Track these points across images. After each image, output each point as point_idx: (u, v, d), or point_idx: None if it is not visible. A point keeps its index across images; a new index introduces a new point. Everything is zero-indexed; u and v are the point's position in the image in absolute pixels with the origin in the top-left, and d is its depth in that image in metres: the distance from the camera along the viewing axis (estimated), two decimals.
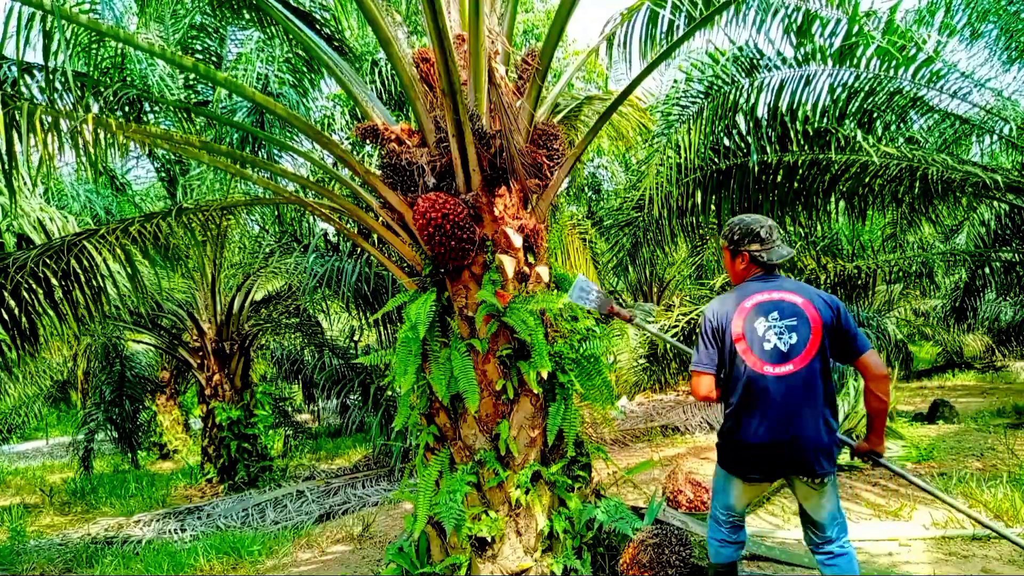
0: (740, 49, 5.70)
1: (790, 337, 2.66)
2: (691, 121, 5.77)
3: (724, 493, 2.90)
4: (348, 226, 5.14)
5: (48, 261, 4.31)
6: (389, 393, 9.49)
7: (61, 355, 13.68)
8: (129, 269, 4.65)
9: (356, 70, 5.97)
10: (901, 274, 7.33)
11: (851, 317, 2.73)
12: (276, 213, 9.29)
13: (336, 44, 5.73)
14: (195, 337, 9.98)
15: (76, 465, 12.56)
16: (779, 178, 6.51)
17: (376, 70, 8.44)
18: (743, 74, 5.76)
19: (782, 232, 2.89)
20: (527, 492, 3.75)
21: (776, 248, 2.84)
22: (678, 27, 4.88)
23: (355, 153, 7.93)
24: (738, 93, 5.74)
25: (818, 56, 5.51)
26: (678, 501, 5.30)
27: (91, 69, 4.70)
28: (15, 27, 3.55)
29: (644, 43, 5.12)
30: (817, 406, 2.64)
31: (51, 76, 3.84)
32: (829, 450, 2.66)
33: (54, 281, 4.40)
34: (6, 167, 3.75)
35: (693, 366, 2.82)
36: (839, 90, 5.70)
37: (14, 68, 4.05)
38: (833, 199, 6.71)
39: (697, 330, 2.84)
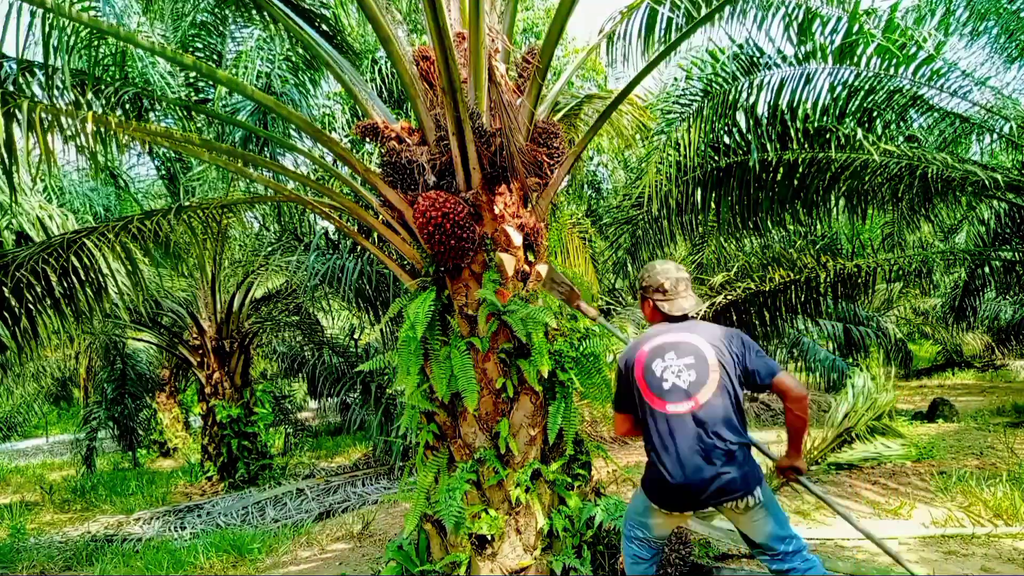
0: (740, 47, 5.69)
1: (689, 375, 2.75)
2: (691, 119, 5.77)
3: (643, 516, 2.92)
4: (348, 224, 5.14)
5: (48, 259, 4.31)
6: (389, 391, 9.49)
7: (62, 353, 13.69)
8: (129, 267, 4.64)
9: (356, 68, 5.97)
10: (901, 273, 7.32)
11: (756, 349, 2.86)
12: (277, 211, 9.29)
13: (336, 42, 5.72)
14: (195, 335, 9.99)
15: (77, 463, 12.57)
16: (779, 176, 6.51)
17: (376, 68, 8.44)
18: (743, 72, 5.75)
19: (692, 284, 2.95)
20: (527, 490, 3.75)
21: (679, 300, 2.92)
22: (678, 25, 4.87)
23: (355, 151, 7.92)
24: (738, 91, 5.74)
25: (818, 54, 5.50)
26: None
27: (91, 66, 4.69)
28: (15, 25, 3.55)
29: (644, 41, 5.11)
30: (724, 437, 2.73)
31: (51, 74, 3.84)
32: (744, 474, 2.77)
33: (54, 279, 4.40)
34: (6, 165, 3.75)
35: (613, 407, 2.99)
36: (839, 88, 5.70)
37: (14, 65, 4.04)
38: (833, 197, 6.71)
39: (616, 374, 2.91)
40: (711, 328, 2.90)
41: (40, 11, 3.63)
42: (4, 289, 4.27)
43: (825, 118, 5.91)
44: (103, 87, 4.36)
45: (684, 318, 2.94)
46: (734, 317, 7.13)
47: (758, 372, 2.81)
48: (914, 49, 5.53)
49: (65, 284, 4.49)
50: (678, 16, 4.82)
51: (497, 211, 3.87)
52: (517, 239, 3.86)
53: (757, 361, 2.82)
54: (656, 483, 2.76)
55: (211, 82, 7.64)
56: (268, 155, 8.05)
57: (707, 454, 2.71)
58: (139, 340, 12.49)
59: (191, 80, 7.65)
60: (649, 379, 2.79)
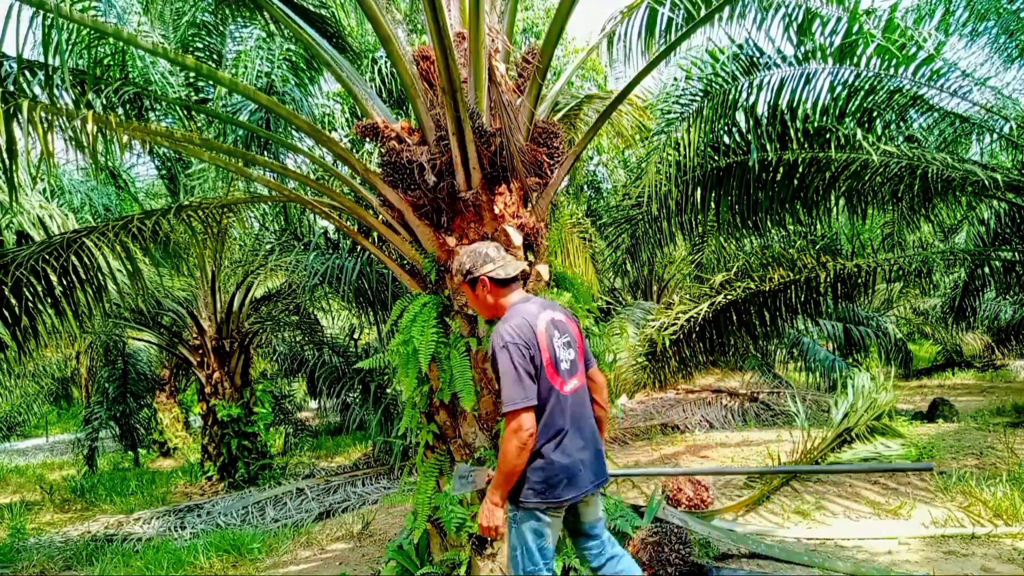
0: (740, 47, 5.69)
1: (569, 354, 2.67)
2: (691, 119, 5.77)
3: (541, 539, 2.60)
4: (348, 224, 5.14)
5: (48, 258, 4.31)
6: (389, 391, 9.50)
7: (62, 353, 13.69)
8: (129, 266, 4.65)
9: (356, 68, 5.97)
10: (901, 273, 7.32)
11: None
12: (277, 211, 9.29)
13: (336, 42, 5.73)
14: (195, 335, 9.99)
15: (78, 463, 12.57)
16: (779, 176, 6.51)
17: (376, 68, 8.44)
18: (743, 72, 5.75)
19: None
20: None
21: (510, 262, 2.73)
22: (678, 25, 4.88)
23: (355, 151, 7.93)
24: (738, 91, 5.74)
25: (818, 54, 5.50)
26: (678, 500, 5.31)
27: (92, 66, 4.70)
28: (15, 25, 3.55)
29: (644, 41, 5.12)
30: (591, 419, 2.70)
31: (51, 74, 3.84)
32: (604, 458, 2.76)
33: (54, 278, 4.40)
34: (7, 165, 3.75)
35: (516, 404, 2.44)
36: (839, 88, 5.70)
37: (14, 65, 4.04)
38: (833, 197, 6.71)
39: (504, 366, 2.48)
40: (559, 306, 2.83)
41: (40, 11, 3.62)
42: (4, 288, 4.27)
43: (825, 118, 5.91)
44: (103, 87, 4.36)
45: (529, 295, 2.78)
46: (734, 317, 7.13)
47: (589, 355, 2.82)
48: (914, 49, 5.53)
49: (65, 283, 4.49)
50: (678, 16, 4.82)
51: (497, 211, 3.87)
52: (517, 239, 3.86)
53: (588, 344, 2.83)
54: (555, 472, 2.54)
55: (211, 82, 7.64)
56: (268, 155, 8.05)
57: (593, 433, 2.68)
58: (139, 340, 12.50)
59: (191, 80, 7.65)
60: (555, 359, 2.59)
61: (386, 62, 8.29)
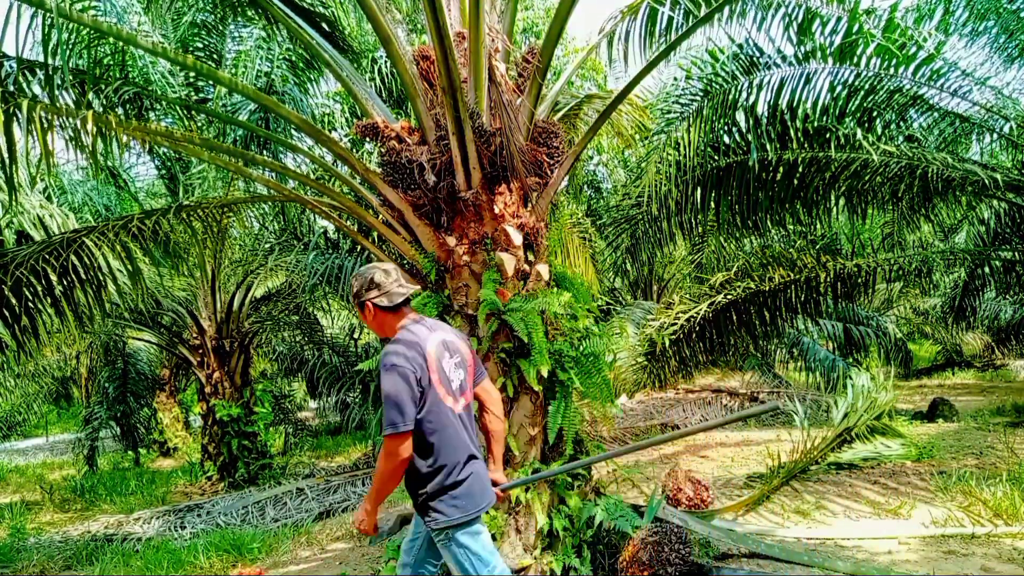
0: (740, 47, 5.69)
1: (459, 374, 2.76)
2: (691, 119, 5.77)
3: (478, 536, 2.67)
4: (348, 224, 5.14)
5: (48, 258, 4.31)
6: None
7: (62, 353, 13.69)
8: (129, 266, 4.65)
9: (356, 68, 5.97)
10: (901, 273, 7.32)
11: None
12: (277, 210, 9.29)
13: (336, 42, 5.73)
14: (195, 335, 9.99)
15: (78, 462, 12.57)
16: (779, 176, 6.51)
17: (376, 68, 8.44)
18: (743, 72, 5.75)
19: (403, 274, 2.81)
20: (527, 490, 3.76)
21: (395, 291, 2.72)
22: (678, 25, 4.88)
23: (355, 151, 7.92)
24: (738, 91, 5.74)
25: (818, 54, 5.50)
26: (678, 499, 5.31)
27: (91, 66, 4.70)
28: (15, 25, 3.55)
29: (644, 41, 5.12)
30: (477, 437, 2.81)
31: (51, 74, 3.84)
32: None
33: (54, 278, 4.40)
34: (6, 164, 3.75)
35: (396, 428, 2.47)
36: (839, 88, 5.70)
37: (14, 65, 4.04)
38: (833, 197, 6.71)
39: (388, 388, 2.50)
40: (449, 327, 2.92)
41: (40, 11, 3.62)
42: (4, 288, 4.27)
43: (825, 118, 5.91)
44: (103, 87, 4.37)
45: (421, 316, 2.83)
46: (734, 317, 7.13)
47: (480, 374, 2.92)
48: (914, 49, 5.53)
49: (65, 283, 4.50)
50: (678, 16, 4.82)
51: (497, 211, 3.87)
52: (517, 239, 3.86)
53: (479, 362, 2.93)
54: (470, 487, 2.64)
55: (211, 82, 7.64)
56: (268, 155, 8.06)
57: (478, 452, 2.77)
58: (139, 340, 12.50)
59: (191, 80, 7.65)
60: (445, 380, 2.66)
61: (386, 62, 8.29)
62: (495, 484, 2.89)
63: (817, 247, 7.29)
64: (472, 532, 2.65)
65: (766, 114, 6.01)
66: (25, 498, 10.06)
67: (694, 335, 7.19)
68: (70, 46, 4.16)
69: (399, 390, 2.49)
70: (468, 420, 2.76)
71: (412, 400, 2.51)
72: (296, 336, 11.83)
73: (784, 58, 5.67)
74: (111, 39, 4.49)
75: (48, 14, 3.60)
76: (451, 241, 3.90)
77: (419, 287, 2.92)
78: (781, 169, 6.45)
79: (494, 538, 3.69)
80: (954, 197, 6.82)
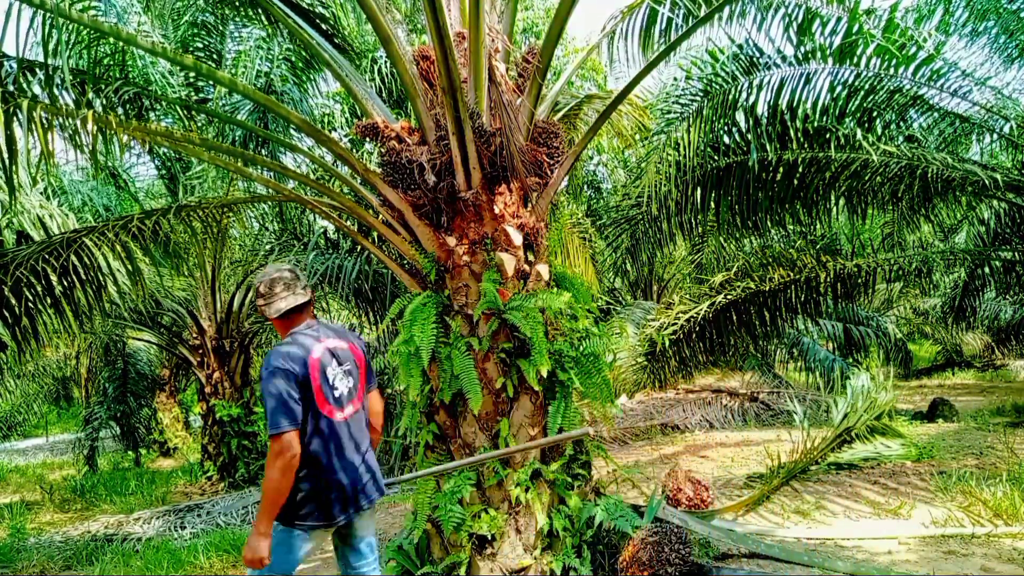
0: (740, 47, 5.69)
1: (348, 381, 2.82)
2: (691, 119, 5.77)
3: (291, 553, 2.71)
4: (348, 224, 5.14)
5: (48, 258, 4.31)
6: (388, 391, 9.49)
7: (62, 353, 13.69)
8: (129, 266, 4.65)
9: (356, 68, 5.97)
10: (901, 273, 7.32)
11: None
12: (277, 210, 9.29)
13: (336, 42, 5.72)
14: (195, 335, 9.99)
15: (78, 463, 12.56)
16: (779, 176, 6.51)
17: (376, 68, 8.43)
18: (743, 72, 5.75)
19: (299, 279, 2.85)
20: (527, 490, 3.76)
21: (275, 302, 2.78)
22: (678, 25, 4.88)
23: (355, 151, 7.92)
24: (738, 91, 5.74)
25: (818, 54, 5.50)
26: (678, 499, 5.31)
27: (91, 66, 4.69)
28: (15, 25, 3.55)
29: (644, 41, 5.12)
30: (367, 439, 2.90)
31: (52, 73, 3.84)
32: (378, 475, 2.96)
33: (54, 278, 4.40)
34: (7, 164, 3.75)
35: (280, 428, 2.53)
36: (839, 88, 5.70)
37: (14, 65, 4.04)
38: (833, 197, 6.71)
39: (271, 389, 2.58)
40: (347, 331, 2.97)
41: (40, 11, 3.62)
42: (4, 288, 4.27)
43: (825, 118, 5.91)
44: (103, 86, 4.36)
45: (316, 321, 2.90)
46: (734, 317, 7.13)
47: (372, 379, 2.98)
48: (914, 49, 5.52)
49: (65, 283, 4.50)
50: (678, 16, 4.83)
51: (497, 211, 3.87)
52: (517, 239, 3.86)
53: (371, 370, 2.98)
54: (321, 494, 2.69)
55: (211, 82, 7.64)
56: (267, 155, 8.05)
57: (367, 456, 2.83)
58: (139, 340, 12.49)
59: (191, 80, 7.65)
60: (325, 387, 2.71)
61: (386, 62, 8.29)
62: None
63: (817, 247, 7.28)
64: (295, 544, 2.70)
65: (766, 114, 6.01)
66: (25, 498, 10.06)
67: (694, 335, 7.19)
68: (70, 46, 4.15)
69: (280, 390, 2.57)
70: (355, 428, 2.81)
71: (294, 399, 2.59)
72: None
73: (784, 58, 5.67)
74: (111, 39, 4.49)
75: (48, 14, 3.60)
76: (451, 241, 3.90)
77: (310, 296, 2.90)
78: (781, 169, 6.44)
79: (494, 538, 3.69)
80: (954, 197, 6.82)
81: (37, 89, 4.13)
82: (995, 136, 6.61)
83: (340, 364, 2.80)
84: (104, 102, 4.40)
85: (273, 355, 2.65)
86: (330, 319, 13.76)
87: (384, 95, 8.41)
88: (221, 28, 7.96)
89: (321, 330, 2.86)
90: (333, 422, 2.71)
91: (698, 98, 5.90)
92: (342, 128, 9.43)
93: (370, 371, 3.00)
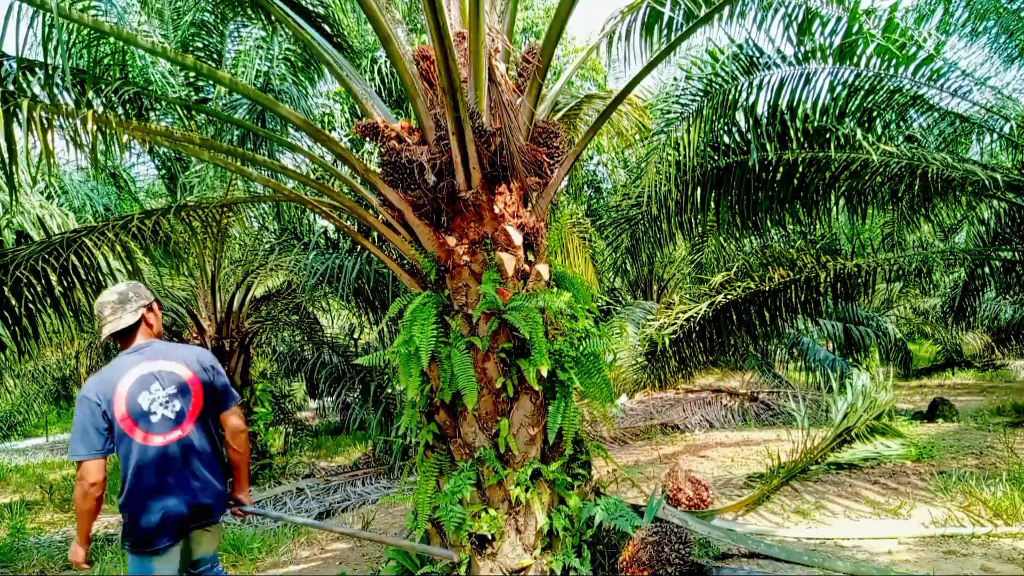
0: (740, 47, 5.69)
1: (174, 405, 2.80)
2: (691, 119, 5.77)
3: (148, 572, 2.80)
4: (348, 223, 5.14)
5: (48, 258, 4.31)
6: (389, 391, 9.49)
7: (62, 353, 13.68)
8: (129, 266, 4.65)
9: (356, 67, 5.97)
10: (901, 273, 7.32)
11: (223, 374, 2.96)
12: (276, 210, 9.29)
13: (336, 41, 5.73)
14: (195, 335, 9.97)
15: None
16: (779, 176, 6.51)
17: (376, 67, 8.44)
18: (743, 72, 5.76)
19: (131, 301, 2.89)
20: (527, 490, 3.76)
21: (103, 328, 2.84)
22: (678, 25, 4.88)
23: (355, 151, 7.92)
24: (738, 91, 5.74)
25: (818, 54, 5.50)
26: (678, 499, 5.31)
27: (91, 65, 4.69)
28: (15, 25, 3.55)
29: (644, 41, 5.12)
30: (206, 461, 2.86)
31: (51, 73, 3.84)
32: (220, 496, 2.94)
33: (54, 278, 4.40)
34: (7, 164, 3.75)
35: (78, 456, 2.66)
36: (839, 88, 5.70)
37: (14, 65, 4.04)
38: (833, 197, 6.71)
39: (75, 417, 2.75)
40: (184, 351, 2.94)
41: (41, 11, 3.62)
42: (4, 288, 4.27)
43: (825, 118, 5.91)
44: (103, 86, 4.36)
45: (145, 343, 2.91)
46: (734, 317, 7.13)
47: (223, 398, 2.95)
48: (914, 49, 5.53)
49: (65, 283, 4.50)
50: (678, 16, 4.83)
51: (497, 210, 3.87)
52: (517, 239, 3.86)
53: (226, 389, 2.95)
54: (143, 520, 2.73)
55: (211, 82, 7.64)
56: (265, 154, 8.05)
57: (195, 479, 2.81)
58: None
59: (191, 80, 7.65)
60: (136, 413, 2.73)
61: (386, 62, 8.29)
62: (239, 503, 3.11)
63: (817, 247, 7.29)
64: (142, 561, 2.78)
65: (766, 114, 6.01)
66: (25, 498, 10.06)
67: (694, 335, 7.19)
68: (70, 46, 4.16)
69: (82, 419, 2.69)
70: (182, 452, 2.79)
71: (96, 429, 2.68)
72: (296, 336, 11.82)
73: (784, 58, 5.67)
74: (111, 39, 4.49)
75: (48, 14, 3.60)
76: (451, 241, 3.90)
77: (139, 316, 2.91)
78: (781, 169, 6.45)
79: (494, 538, 3.69)
80: (954, 197, 6.82)
81: (37, 89, 4.13)
82: (995, 136, 6.61)
83: (164, 388, 2.80)
84: (104, 102, 4.40)
85: (87, 382, 2.76)
86: (330, 319, 13.77)
87: (384, 95, 8.42)
88: (221, 28, 7.96)
89: (150, 351, 2.87)
90: (149, 448, 2.73)
91: (698, 98, 5.90)
92: (342, 128, 9.44)
93: (214, 392, 2.95)
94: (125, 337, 2.90)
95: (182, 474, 2.78)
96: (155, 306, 3.00)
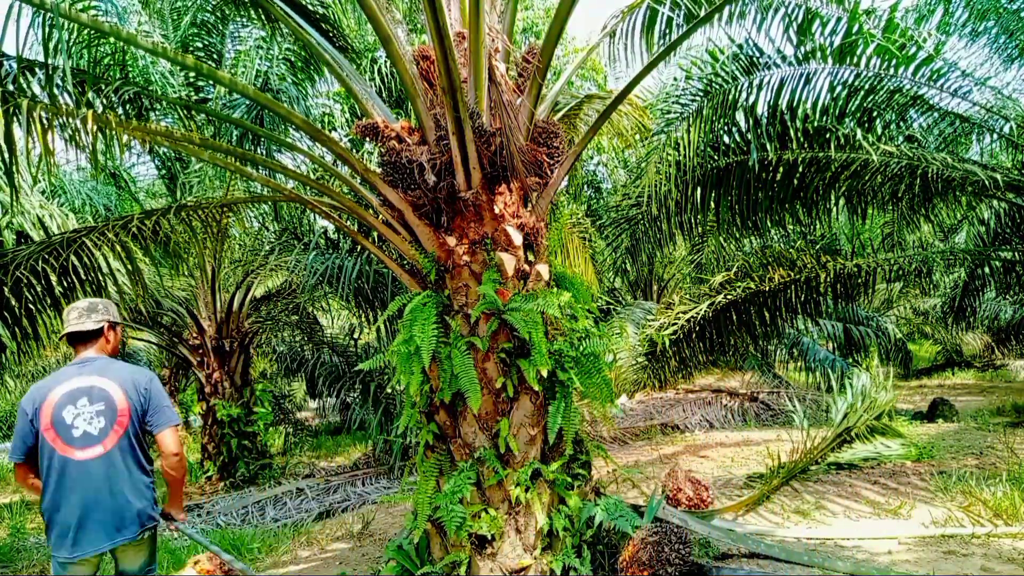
0: (740, 47, 5.69)
1: (99, 421, 2.88)
2: (691, 119, 5.77)
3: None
4: (348, 223, 5.14)
5: (48, 258, 4.32)
6: (389, 391, 9.49)
7: (62, 352, 13.68)
8: (129, 266, 4.65)
9: (356, 67, 5.97)
10: (901, 273, 7.32)
11: (162, 396, 3.02)
12: (274, 210, 9.28)
13: (336, 41, 5.73)
14: (195, 335, 9.98)
15: None
16: (779, 176, 6.51)
17: (376, 68, 8.44)
18: (743, 72, 5.75)
19: (96, 312, 3.08)
20: (527, 490, 3.76)
21: (70, 326, 3.01)
22: (678, 24, 4.88)
23: (355, 151, 7.92)
24: (738, 91, 5.74)
25: (818, 54, 5.50)
26: (678, 499, 5.31)
27: (91, 65, 4.70)
28: (15, 25, 3.55)
29: (644, 41, 5.12)
30: (130, 479, 2.93)
31: (51, 73, 3.84)
32: (146, 512, 2.99)
33: (54, 278, 4.40)
34: (7, 164, 3.75)
35: (11, 458, 2.92)
36: (839, 88, 5.70)
37: (14, 65, 4.04)
38: (833, 197, 6.71)
39: (16, 423, 2.93)
40: (122, 370, 3.02)
41: (41, 11, 3.62)
42: (4, 288, 4.27)
43: (825, 118, 5.91)
44: (103, 86, 4.36)
45: (92, 357, 3.03)
46: (734, 317, 7.13)
47: (155, 420, 2.99)
48: (914, 49, 5.53)
49: (65, 283, 4.50)
50: (678, 16, 4.83)
51: (497, 211, 3.87)
52: (517, 239, 3.86)
53: (160, 411, 2.99)
54: (59, 530, 2.83)
55: (211, 82, 7.64)
56: (263, 153, 8.04)
57: (113, 496, 2.87)
58: (139, 340, 12.48)
59: (191, 80, 7.64)
60: (59, 426, 2.83)
61: (386, 62, 8.29)
62: (169, 518, 3.20)
63: (817, 247, 7.29)
64: (62, 565, 2.86)
65: (766, 114, 6.01)
66: (25, 498, 10.06)
67: (694, 335, 7.19)
68: (70, 46, 4.16)
69: (17, 425, 2.88)
70: (103, 468, 2.86)
71: (23, 436, 2.86)
72: (296, 336, 11.82)
73: (784, 58, 5.67)
74: (111, 39, 4.49)
75: (48, 14, 3.60)
76: (451, 241, 3.90)
77: (99, 327, 3.07)
78: (781, 169, 6.45)
79: (494, 538, 3.69)
80: (954, 197, 6.82)
81: (37, 89, 4.13)
82: (995, 136, 6.61)
83: (91, 404, 2.88)
84: (104, 102, 4.40)
85: (30, 389, 2.93)
86: (330, 319, 13.77)
87: (384, 95, 8.41)
88: (221, 28, 7.96)
89: (91, 367, 2.98)
90: (70, 461, 2.82)
91: (698, 98, 5.90)
92: (342, 128, 9.44)
93: (141, 413, 2.99)
94: (81, 343, 3.05)
95: (99, 491, 2.85)
96: (119, 328, 3.19)
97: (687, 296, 7.27)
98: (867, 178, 6.35)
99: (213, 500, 8.18)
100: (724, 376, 13.61)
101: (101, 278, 4.63)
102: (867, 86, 5.69)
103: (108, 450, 2.88)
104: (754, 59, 5.72)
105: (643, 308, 10.72)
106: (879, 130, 6.18)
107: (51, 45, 3.70)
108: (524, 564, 3.70)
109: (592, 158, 14.38)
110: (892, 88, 5.75)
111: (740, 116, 6.08)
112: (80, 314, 3.03)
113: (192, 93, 7.74)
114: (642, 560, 3.72)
